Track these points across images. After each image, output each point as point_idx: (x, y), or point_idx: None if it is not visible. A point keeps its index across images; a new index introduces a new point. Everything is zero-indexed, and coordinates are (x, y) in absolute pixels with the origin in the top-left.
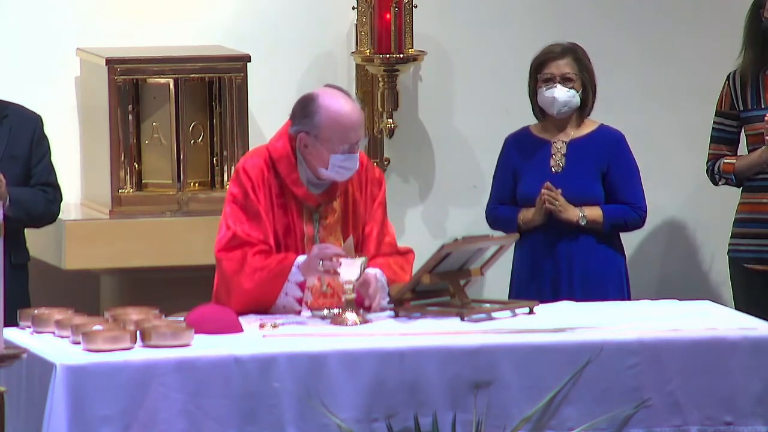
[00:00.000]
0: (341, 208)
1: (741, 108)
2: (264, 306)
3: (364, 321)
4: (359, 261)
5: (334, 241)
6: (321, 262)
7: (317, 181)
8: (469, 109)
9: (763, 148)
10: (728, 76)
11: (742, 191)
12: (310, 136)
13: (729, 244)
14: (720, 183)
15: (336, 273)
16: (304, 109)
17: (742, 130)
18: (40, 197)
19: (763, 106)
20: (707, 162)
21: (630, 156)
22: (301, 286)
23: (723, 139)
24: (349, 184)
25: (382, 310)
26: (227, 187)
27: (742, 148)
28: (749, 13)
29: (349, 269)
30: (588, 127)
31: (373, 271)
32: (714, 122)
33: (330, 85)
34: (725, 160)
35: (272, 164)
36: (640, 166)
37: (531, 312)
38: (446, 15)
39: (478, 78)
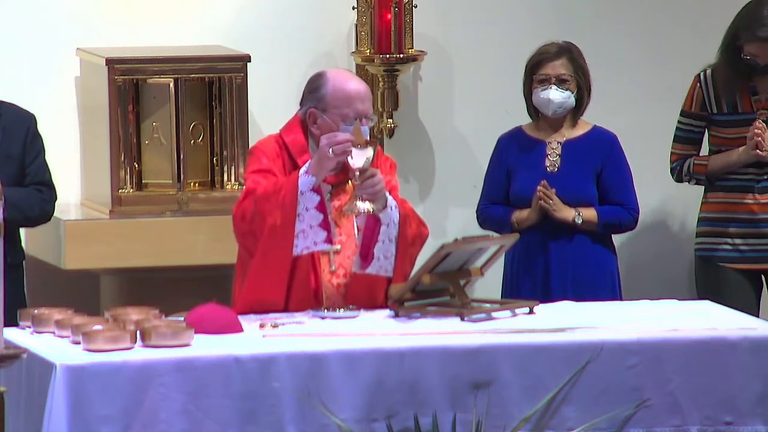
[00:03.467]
0: (353, 190)
1: (715, 111)
2: (289, 238)
3: (377, 209)
4: (369, 149)
5: (346, 223)
6: (330, 150)
7: None
8: (469, 109)
9: (741, 149)
10: (698, 77)
11: (708, 190)
12: (318, 109)
13: (696, 243)
14: (690, 182)
15: (348, 153)
16: (312, 85)
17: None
18: (36, 198)
19: (740, 111)
20: (672, 162)
21: (623, 158)
22: (318, 191)
23: (690, 139)
24: None
25: (366, 199)
26: (227, 187)
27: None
28: (727, 33)
29: (358, 157)
30: (582, 128)
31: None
32: (681, 123)
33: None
34: (696, 161)
35: (284, 145)
36: (640, 167)
37: (531, 312)
38: (446, 15)
39: (478, 78)
